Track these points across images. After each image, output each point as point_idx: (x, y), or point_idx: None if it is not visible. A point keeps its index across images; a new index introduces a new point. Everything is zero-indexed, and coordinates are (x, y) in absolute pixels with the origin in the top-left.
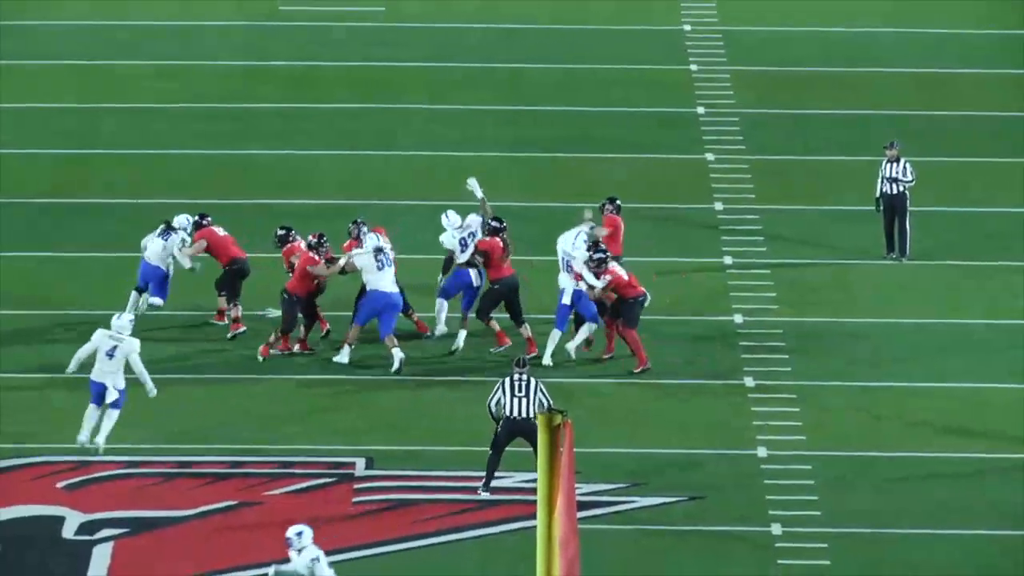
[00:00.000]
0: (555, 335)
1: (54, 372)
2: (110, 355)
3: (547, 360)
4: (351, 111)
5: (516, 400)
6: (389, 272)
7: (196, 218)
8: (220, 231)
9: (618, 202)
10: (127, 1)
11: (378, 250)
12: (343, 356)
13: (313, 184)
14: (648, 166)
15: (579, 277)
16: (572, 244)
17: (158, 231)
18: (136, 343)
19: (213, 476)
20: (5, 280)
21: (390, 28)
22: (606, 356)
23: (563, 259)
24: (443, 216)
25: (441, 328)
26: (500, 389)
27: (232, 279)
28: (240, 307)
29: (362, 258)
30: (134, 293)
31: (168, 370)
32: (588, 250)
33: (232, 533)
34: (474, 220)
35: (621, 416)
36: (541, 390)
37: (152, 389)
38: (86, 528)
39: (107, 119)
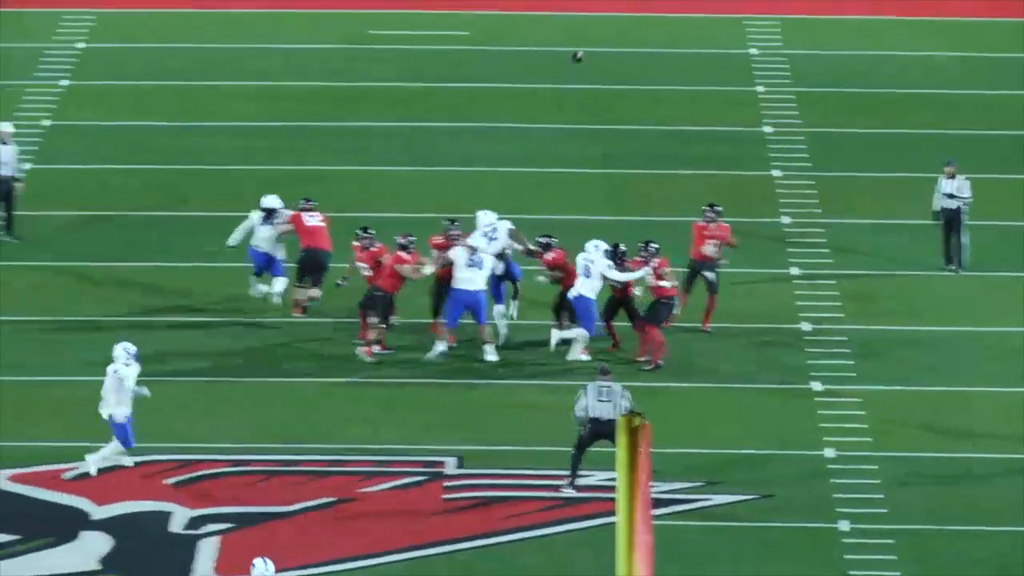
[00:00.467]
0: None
1: (163, 376)
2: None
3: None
4: (438, 129)
5: (601, 405)
6: (479, 273)
7: (303, 201)
8: (312, 220)
9: (718, 208)
10: (226, 24)
11: (473, 249)
12: (436, 350)
13: (400, 198)
14: (718, 182)
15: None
16: (594, 249)
17: (258, 219)
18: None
19: (313, 474)
20: (109, 288)
21: (476, 51)
22: (641, 358)
23: (584, 266)
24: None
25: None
26: (585, 394)
27: (303, 266)
28: (305, 291)
29: (457, 251)
30: (253, 278)
31: (269, 372)
32: (608, 255)
33: (330, 528)
34: (488, 216)
35: (696, 418)
36: (625, 395)
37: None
38: (193, 523)
39: (203, 135)
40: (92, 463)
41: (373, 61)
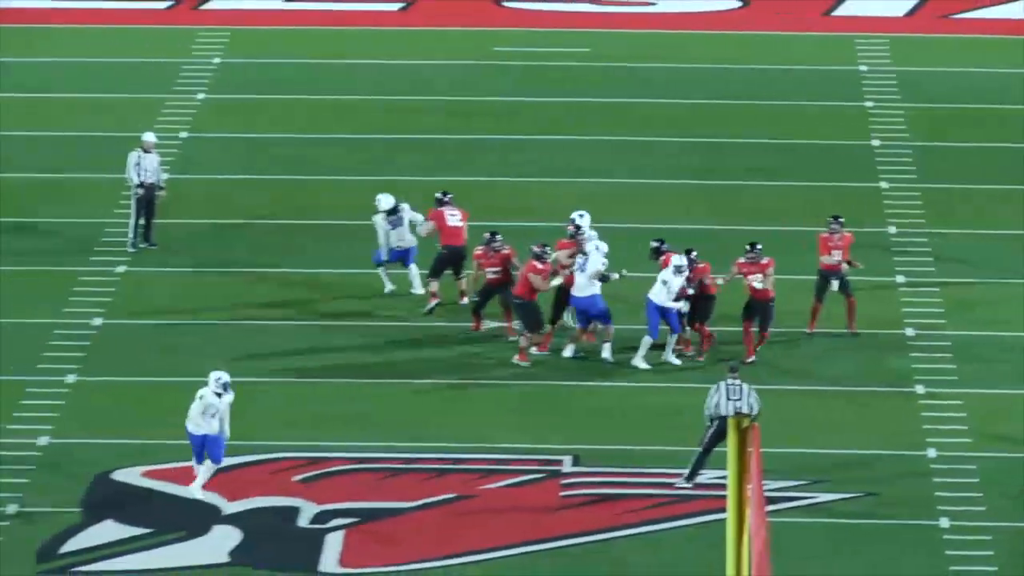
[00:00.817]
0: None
1: (290, 377)
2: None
3: (638, 363)
4: (555, 143)
5: (731, 404)
6: (581, 276)
7: (439, 195)
8: (454, 220)
9: (841, 219)
10: (354, 41)
11: (583, 254)
12: (568, 351)
13: (521, 208)
14: (827, 193)
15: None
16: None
17: (384, 222)
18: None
19: (434, 471)
20: (240, 292)
21: (595, 67)
22: (748, 360)
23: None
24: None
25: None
26: (717, 393)
27: (443, 261)
28: (437, 284)
29: (562, 254)
30: (381, 270)
31: (394, 374)
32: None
33: (451, 523)
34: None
35: (804, 419)
36: (752, 395)
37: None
38: (319, 518)
39: (332, 147)
40: (198, 490)
41: (495, 76)
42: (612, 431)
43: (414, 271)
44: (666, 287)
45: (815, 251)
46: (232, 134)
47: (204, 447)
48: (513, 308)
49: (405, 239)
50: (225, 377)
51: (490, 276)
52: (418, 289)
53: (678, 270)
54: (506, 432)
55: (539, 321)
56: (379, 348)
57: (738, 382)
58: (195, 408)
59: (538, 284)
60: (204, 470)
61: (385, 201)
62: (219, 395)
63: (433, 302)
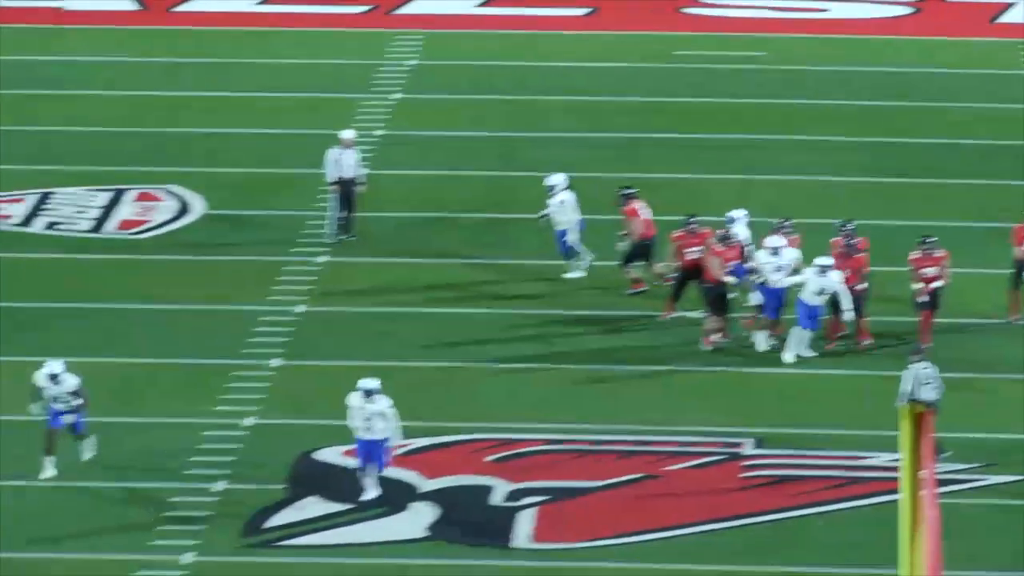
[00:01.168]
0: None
1: (484, 361)
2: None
3: (788, 357)
4: (735, 142)
5: (924, 388)
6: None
7: (623, 190)
8: (645, 212)
9: None
10: (543, 44)
11: (774, 250)
12: (761, 340)
13: (698, 204)
14: (991, 191)
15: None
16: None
17: (558, 203)
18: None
19: (621, 453)
20: (435, 281)
21: (771, 69)
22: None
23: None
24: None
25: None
26: (912, 378)
27: (637, 252)
28: (635, 272)
29: (760, 253)
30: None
31: (580, 360)
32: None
33: (636, 502)
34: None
35: (976, 403)
36: (938, 379)
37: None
38: (511, 496)
39: (525, 147)
40: (372, 491)
41: (675, 78)
42: (794, 415)
43: (581, 253)
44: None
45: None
46: (426, 132)
47: (371, 451)
48: (702, 292)
49: (564, 223)
50: (374, 383)
51: (689, 258)
52: (577, 272)
53: (822, 270)
54: (691, 415)
55: (725, 306)
56: (570, 334)
57: (928, 366)
58: (353, 412)
59: (714, 267)
60: (373, 472)
61: (553, 179)
62: (369, 398)
63: (639, 287)
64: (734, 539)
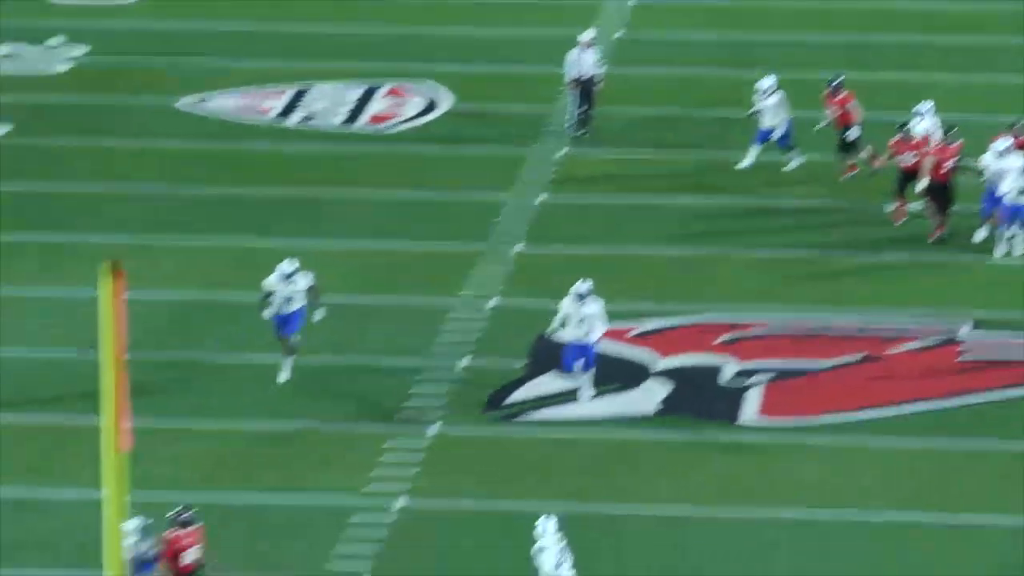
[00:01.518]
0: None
1: (711, 247)
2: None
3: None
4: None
5: None
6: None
7: (832, 81)
8: (849, 101)
9: None
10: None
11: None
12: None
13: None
14: None
15: None
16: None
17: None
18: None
19: (845, 336)
20: (676, 174)
21: None
22: None
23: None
24: None
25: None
26: None
27: (849, 140)
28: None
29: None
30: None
31: (800, 245)
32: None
33: (858, 381)
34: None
35: None
36: None
37: None
38: (739, 375)
39: (755, 48)
40: (585, 394)
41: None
42: (1010, 301)
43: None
44: None
45: None
46: (663, 35)
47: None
48: (929, 188)
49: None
50: (583, 288)
51: (905, 164)
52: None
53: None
54: (909, 298)
55: (947, 200)
56: (791, 228)
57: None
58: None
59: (926, 165)
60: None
61: (765, 82)
62: (581, 299)
63: (853, 171)
64: (952, 417)
